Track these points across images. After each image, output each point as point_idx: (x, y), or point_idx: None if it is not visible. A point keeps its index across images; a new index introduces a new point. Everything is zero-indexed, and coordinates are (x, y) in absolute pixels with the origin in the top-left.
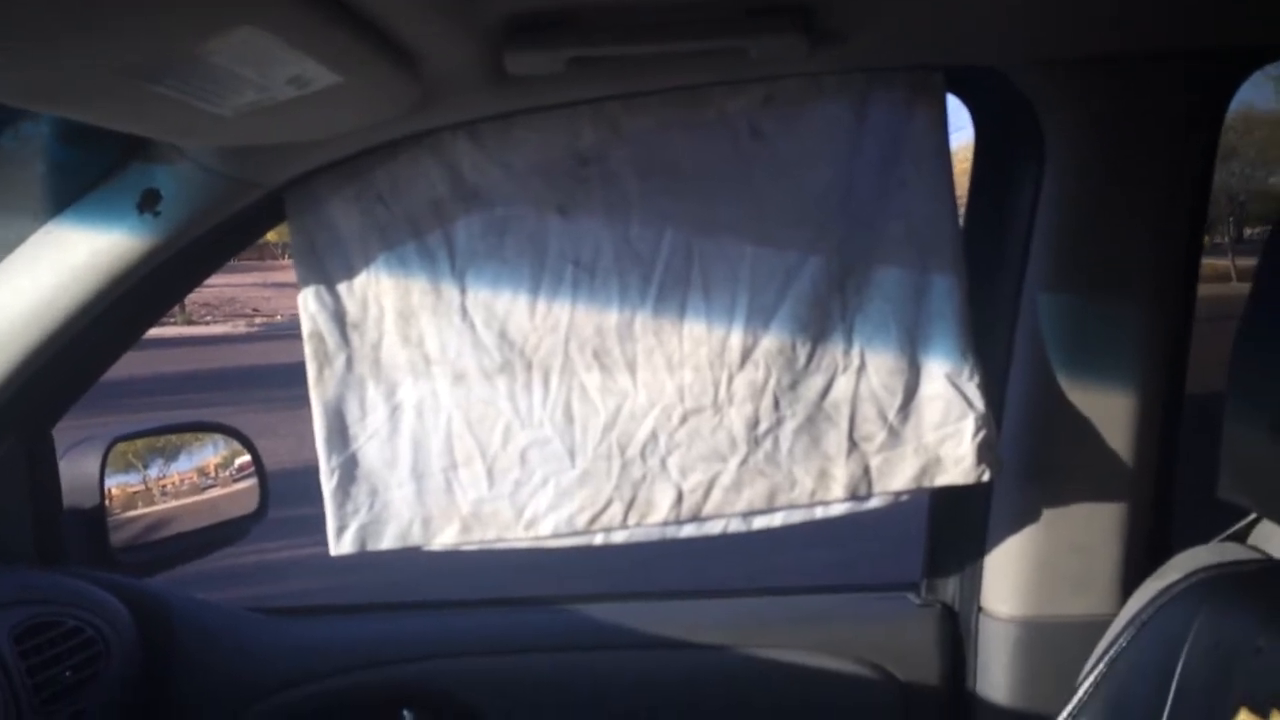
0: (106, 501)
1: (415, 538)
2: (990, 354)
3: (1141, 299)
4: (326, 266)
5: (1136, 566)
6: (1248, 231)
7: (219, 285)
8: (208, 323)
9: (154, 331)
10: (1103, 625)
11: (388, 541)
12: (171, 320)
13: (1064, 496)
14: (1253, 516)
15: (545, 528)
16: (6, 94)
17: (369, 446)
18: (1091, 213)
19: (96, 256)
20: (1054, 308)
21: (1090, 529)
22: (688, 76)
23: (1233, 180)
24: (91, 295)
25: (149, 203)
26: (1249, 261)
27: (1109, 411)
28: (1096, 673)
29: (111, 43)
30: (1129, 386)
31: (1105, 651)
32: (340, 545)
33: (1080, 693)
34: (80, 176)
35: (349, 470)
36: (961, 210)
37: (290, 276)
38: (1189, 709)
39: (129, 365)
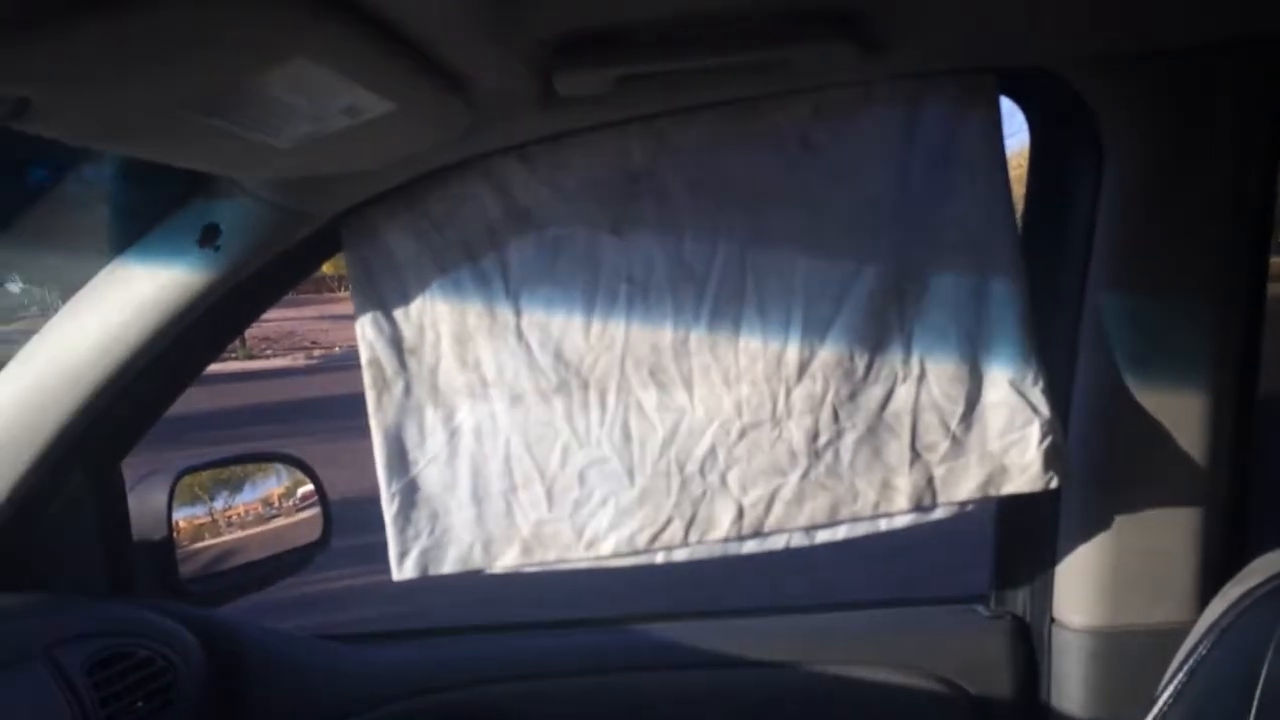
0: (174, 533)
1: (476, 561)
2: (1054, 359)
3: (1208, 298)
4: (383, 294)
5: (1213, 572)
6: None
7: (277, 319)
8: (268, 356)
9: (216, 367)
10: (1180, 633)
11: (449, 565)
12: (233, 355)
13: (1135, 502)
14: None
15: (606, 547)
16: (75, 134)
17: (429, 471)
18: (1154, 212)
19: (160, 292)
20: (1118, 310)
21: (1163, 534)
22: (736, 90)
23: None
24: (156, 330)
25: (209, 238)
26: None
27: (1179, 414)
28: (1176, 683)
29: (173, 77)
30: (1198, 388)
31: (1184, 661)
32: (403, 570)
33: (1160, 704)
34: (142, 216)
35: (409, 495)
36: (1019, 214)
37: (347, 308)
38: (1275, 718)
39: (192, 400)
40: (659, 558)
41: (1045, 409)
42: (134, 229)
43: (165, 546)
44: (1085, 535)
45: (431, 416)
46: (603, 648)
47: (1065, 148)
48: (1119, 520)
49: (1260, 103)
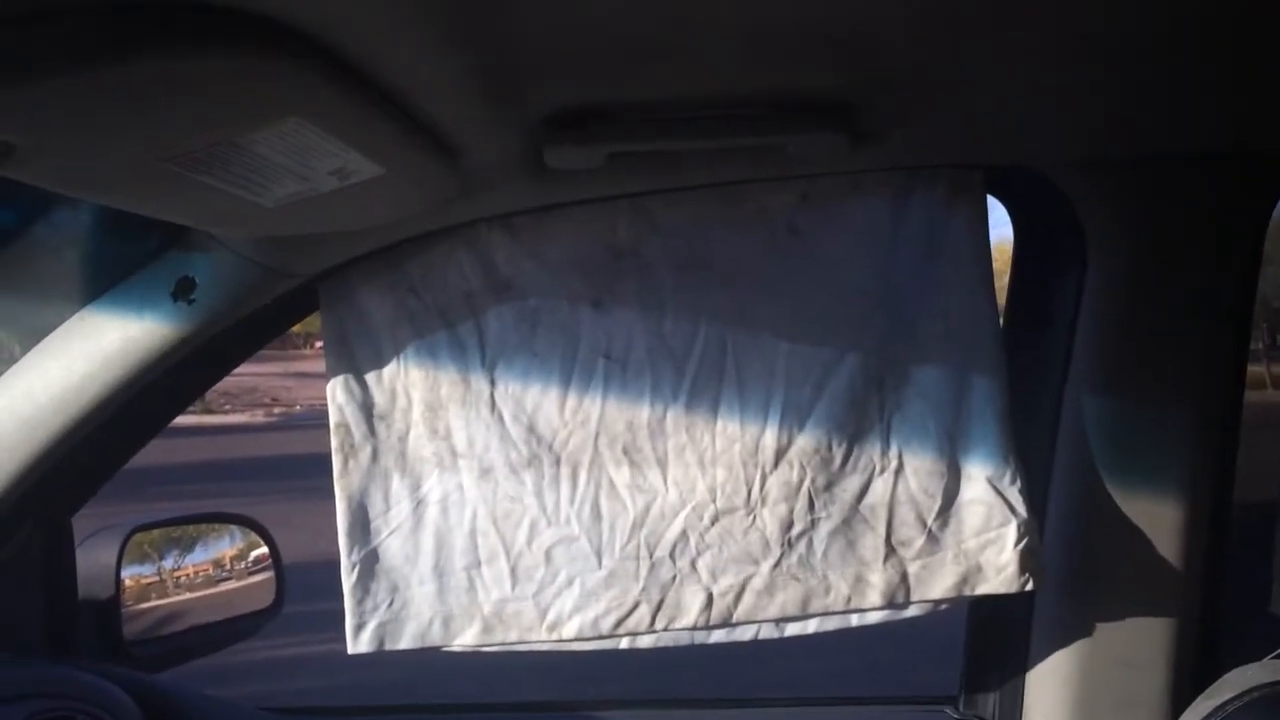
0: (121, 592)
1: (435, 638)
2: (1032, 459)
3: (1188, 403)
4: (356, 357)
5: (1185, 684)
6: None
7: (240, 375)
8: (226, 411)
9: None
10: None
11: (406, 641)
12: (191, 409)
13: (1110, 609)
14: None
15: (569, 630)
16: (57, 183)
17: (391, 541)
18: (1135, 314)
19: (128, 344)
20: (1097, 411)
21: (1138, 644)
22: (726, 173)
23: (1266, 287)
24: (121, 382)
25: (184, 291)
26: None
27: (1156, 519)
28: None
29: (163, 131)
30: (1176, 494)
31: None
32: (358, 644)
33: None
34: (116, 264)
35: (370, 565)
36: (1001, 310)
37: (312, 367)
38: None
39: (146, 454)
40: (624, 643)
41: (1022, 509)
42: (106, 278)
43: (111, 606)
44: (1058, 641)
45: (398, 485)
46: None
47: (1049, 247)
48: (1092, 627)
49: (1242, 212)
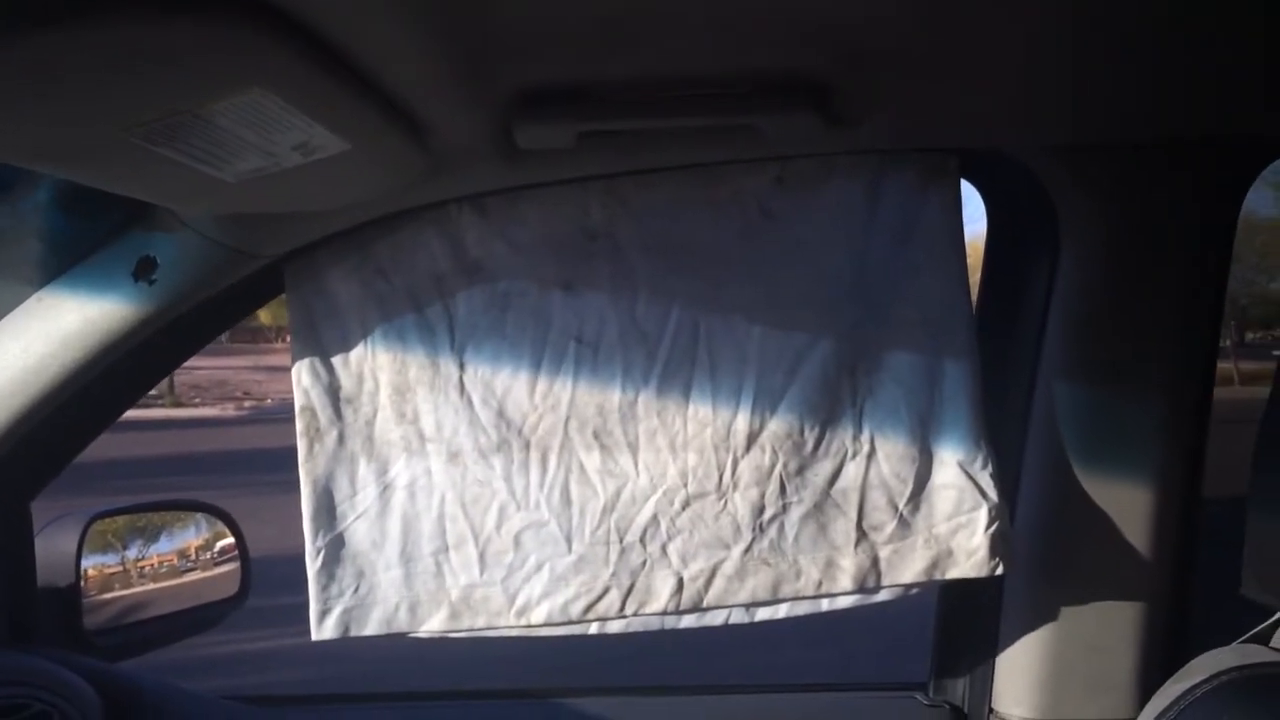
0: (82, 582)
1: (401, 624)
2: (1003, 444)
3: (1159, 389)
4: (323, 339)
5: (1154, 668)
6: (1249, 335)
7: (209, 368)
8: (196, 405)
9: (140, 413)
10: None
11: (372, 627)
12: (160, 402)
13: (1079, 594)
14: (1277, 616)
15: (538, 615)
16: (12, 154)
17: (357, 526)
18: (1107, 301)
19: (88, 324)
20: (1069, 397)
21: (1107, 628)
22: (700, 154)
23: (1234, 285)
24: (81, 364)
25: (144, 270)
26: (1252, 365)
27: (1126, 506)
28: None
29: (120, 101)
30: (1146, 481)
31: None
32: (323, 630)
33: None
34: (77, 244)
35: (335, 551)
36: (975, 296)
37: (283, 360)
38: None
39: (112, 447)
40: (593, 629)
41: (993, 494)
42: (66, 257)
43: (71, 594)
44: (1027, 626)
45: (364, 469)
46: None
47: (1022, 233)
48: (1062, 612)
49: (1216, 200)
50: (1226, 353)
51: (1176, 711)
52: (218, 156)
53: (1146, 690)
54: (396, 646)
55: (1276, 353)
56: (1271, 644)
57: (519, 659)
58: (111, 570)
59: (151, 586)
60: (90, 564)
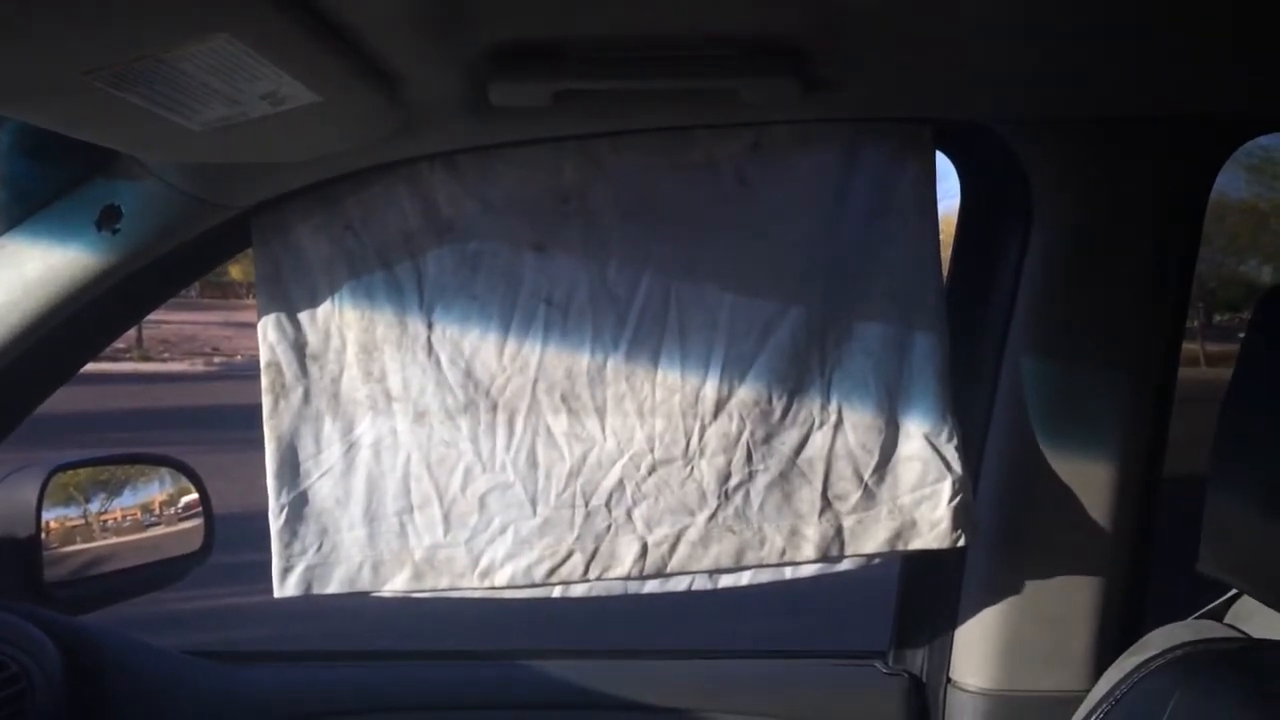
0: (43, 534)
1: (364, 583)
2: (969, 417)
3: (1124, 366)
4: (290, 295)
5: (1110, 642)
6: (1217, 318)
7: (178, 322)
8: (165, 360)
9: (107, 366)
10: (1074, 701)
11: (335, 585)
12: (127, 356)
13: (1038, 567)
14: (1231, 594)
15: (501, 577)
16: None
17: (321, 484)
18: (1076, 276)
19: (50, 273)
20: (1035, 372)
21: (1065, 602)
22: (676, 117)
23: (1203, 267)
24: (42, 313)
25: (108, 220)
26: (1218, 347)
27: (1087, 481)
28: None
29: (83, 41)
30: (1108, 456)
31: None
32: (284, 587)
33: None
34: (39, 192)
35: (298, 508)
36: (946, 269)
37: (253, 316)
38: None
39: (78, 399)
40: (556, 592)
41: (958, 466)
42: (28, 205)
43: (31, 546)
44: (986, 597)
45: (329, 427)
46: (483, 683)
47: (995, 206)
48: (1020, 584)
49: (1185, 176)
50: (1194, 333)
51: (1130, 684)
52: (183, 104)
53: (1101, 664)
54: (365, 605)
55: (1242, 335)
56: (1225, 620)
57: (481, 621)
58: (73, 523)
59: (114, 540)
60: (51, 516)
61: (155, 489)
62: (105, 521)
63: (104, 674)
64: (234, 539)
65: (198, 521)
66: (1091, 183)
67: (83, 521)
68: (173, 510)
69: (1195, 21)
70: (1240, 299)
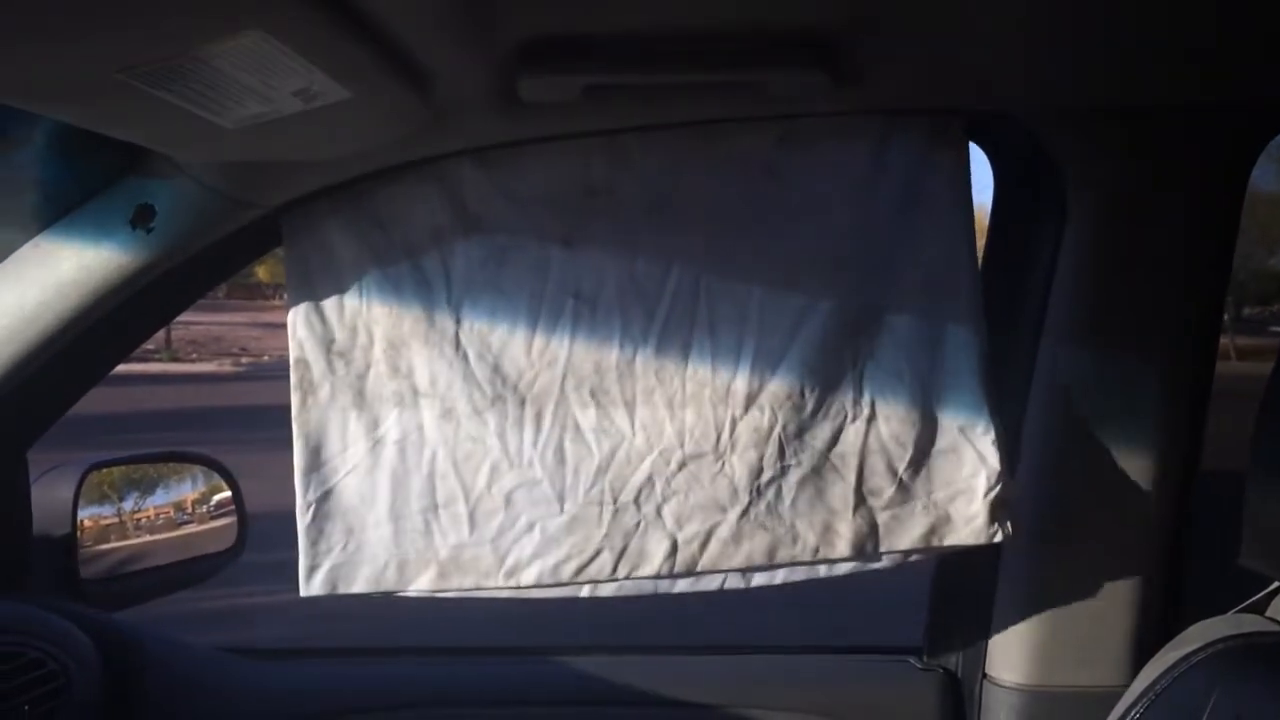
0: (79, 532)
1: (389, 582)
2: (1004, 410)
3: (1161, 360)
4: (318, 292)
5: (1148, 637)
6: (1246, 311)
7: (206, 323)
8: (193, 360)
9: (137, 367)
10: (1113, 697)
11: (360, 585)
12: (157, 357)
13: (1076, 561)
14: (1273, 587)
15: (528, 577)
16: (6, 93)
17: (347, 482)
18: (1111, 269)
19: (84, 272)
20: (1071, 365)
21: (1101, 596)
22: (704, 110)
23: (1233, 259)
24: (76, 312)
25: (142, 218)
26: (1249, 340)
27: (1125, 473)
28: None
29: (117, 41)
30: (1147, 446)
31: None
32: (311, 586)
33: None
34: (73, 191)
35: (325, 506)
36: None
37: (280, 317)
38: None
39: (109, 401)
40: (584, 591)
41: (994, 460)
42: (63, 204)
43: (67, 544)
44: (1023, 592)
45: (355, 424)
46: (519, 679)
47: (1029, 198)
48: (1058, 579)
49: (1220, 165)
50: (1224, 327)
51: (1171, 679)
52: (216, 101)
53: (1140, 658)
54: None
55: (1273, 328)
56: (1266, 613)
57: (507, 617)
58: (108, 521)
59: (148, 538)
60: (86, 514)
61: (188, 487)
62: (139, 519)
63: (141, 671)
64: (269, 539)
65: (230, 520)
66: (1126, 173)
67: (117, 519)
68: (205, 508)
69: (1229, 7)
70: (1272, 292)
